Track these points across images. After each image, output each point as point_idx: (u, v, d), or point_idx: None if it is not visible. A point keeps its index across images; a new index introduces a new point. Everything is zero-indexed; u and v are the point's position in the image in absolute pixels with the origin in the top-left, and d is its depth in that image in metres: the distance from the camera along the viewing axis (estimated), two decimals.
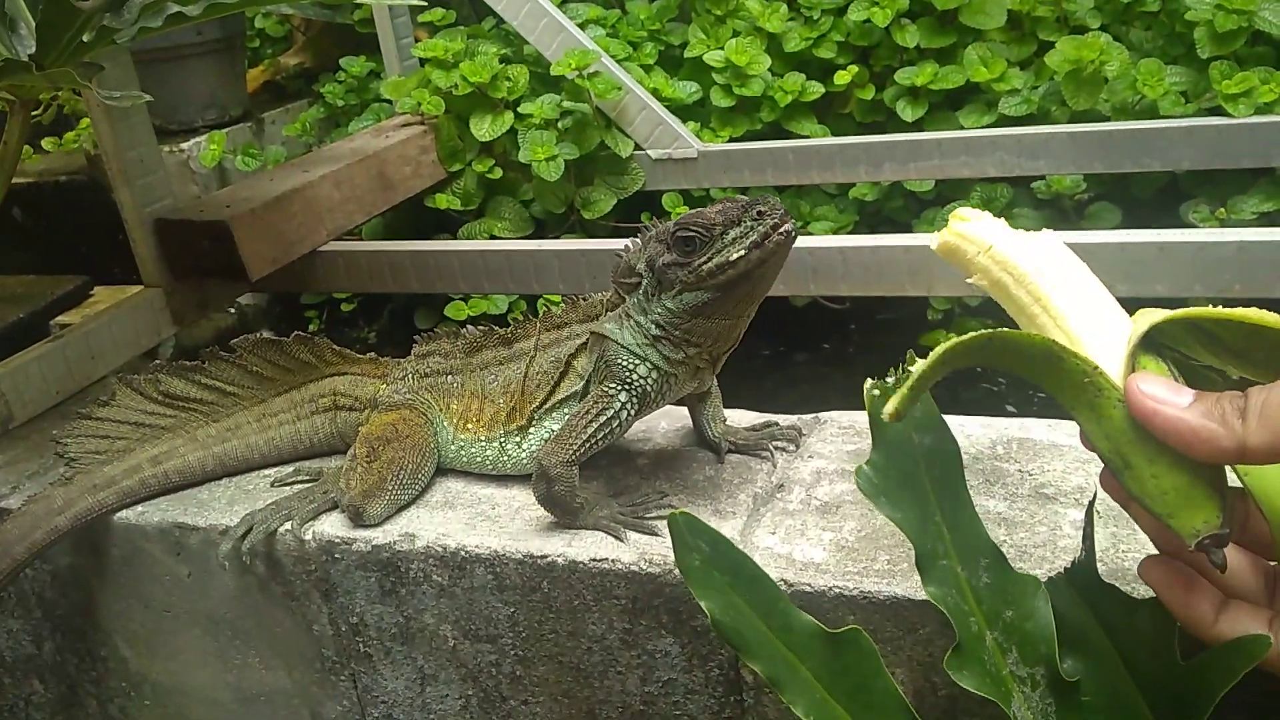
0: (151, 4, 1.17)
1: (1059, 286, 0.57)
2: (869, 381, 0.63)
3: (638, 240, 0.89)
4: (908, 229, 1.91)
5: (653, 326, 0.87)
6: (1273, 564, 0.60)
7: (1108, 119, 1.75)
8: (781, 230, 0.79)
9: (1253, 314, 0.52)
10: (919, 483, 0.62)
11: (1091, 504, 0.67)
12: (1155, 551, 0.77)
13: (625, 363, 0.88)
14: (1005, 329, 0.55)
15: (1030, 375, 0.57)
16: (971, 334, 0.55)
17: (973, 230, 0.61)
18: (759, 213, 0.80)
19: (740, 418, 1.07)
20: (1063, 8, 1.90)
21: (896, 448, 0.63)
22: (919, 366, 0.54)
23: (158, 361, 1.06)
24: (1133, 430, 0.53)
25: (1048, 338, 0.55)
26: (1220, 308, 0.53)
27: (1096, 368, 0.54)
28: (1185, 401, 0.51)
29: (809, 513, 0.89)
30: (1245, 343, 0.52)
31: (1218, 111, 1.65)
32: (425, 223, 2.03)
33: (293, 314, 2.25)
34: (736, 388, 1.06)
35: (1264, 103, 1.62)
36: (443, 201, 1.89)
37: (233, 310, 2.26)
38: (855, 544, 0.84)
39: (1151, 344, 0.56)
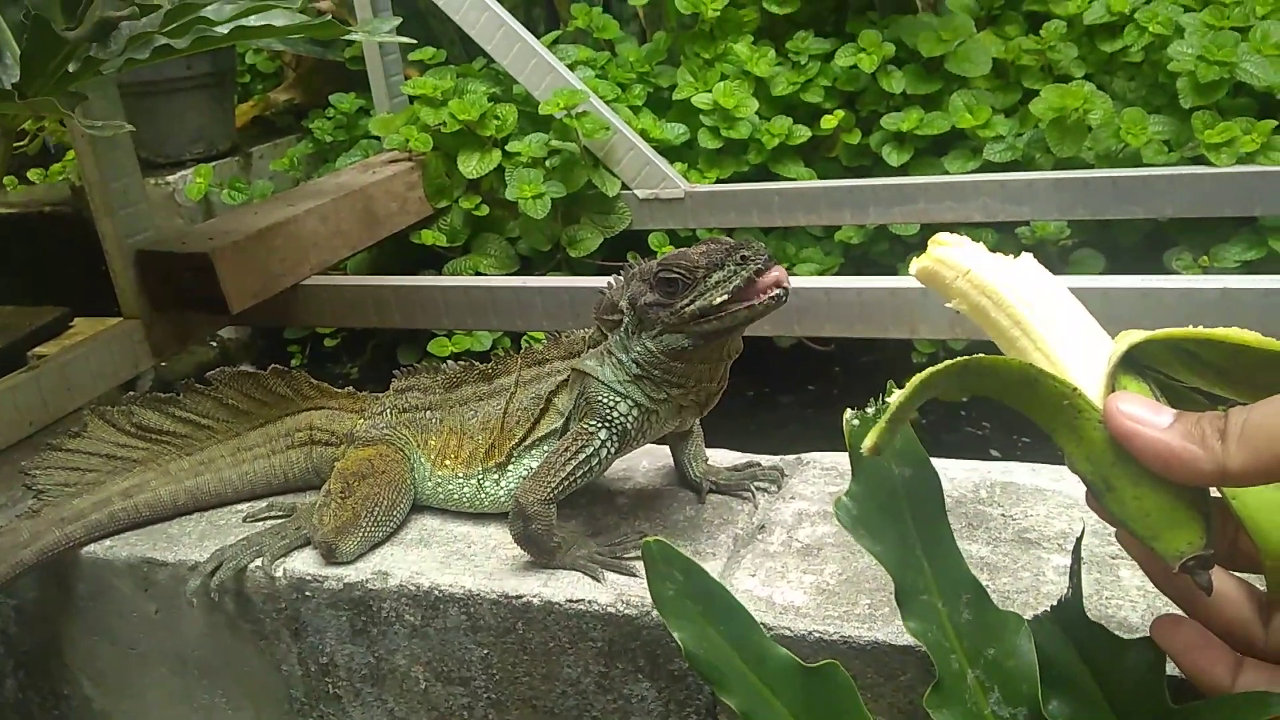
0: (138, 36, 1.17)
1: (1038, 309, 0.56)
2: (848, 412, 0.62)
3: (621, 277, 0.89)
4: (892, 272, 1.92)
5: (634, 365, 0.86)
6: (1261, 585, 0.58)
7: (1091, 167, 1.76)
8: (773, 294, 0.77)
9: (1234, 334, 0.51)
10: (899, 515, 0.61)
11: (1079, 542, 0.66)
12: (1138, 599, 0.76)
13: (606, 400, 0.87)
14: (981, 355, 0.54)
15: (1010, 400, 0.56)
16: (947, 362, 0.54)
17: (951, 255, 0.60)
18: (742, 257, 0.79)
19: (722, 457, 1.06)
20: (1047, 57, 1.93)
21: (876, 479, 0.62)
22: (896, 397, 0.53)
23: (132, 393, 1.04)
24: (1114, 452, 0.52)
25: (1024, 361, 0.54)
26: (1201, 328, 0.52)
27: (1075, 389, 0.53)
28: (1165, 422, 0.50)
29: (790, 554, 0.88)
30: (1228, 362, 0.52)
31: (1200, 161, 1.67)
32: (411, 259, 2.03)
33: (275, 348, 2.24)
34: (720, 428, 1.05)
35: (1246, 152, 1.64)
36: (429, 238, 1.89)
37: (214, 344, 2.24)
38: (836, 587, 0.82)
39: (1133, 364, 0.55)
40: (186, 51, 1.23)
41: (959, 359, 0.53)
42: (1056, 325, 0.56)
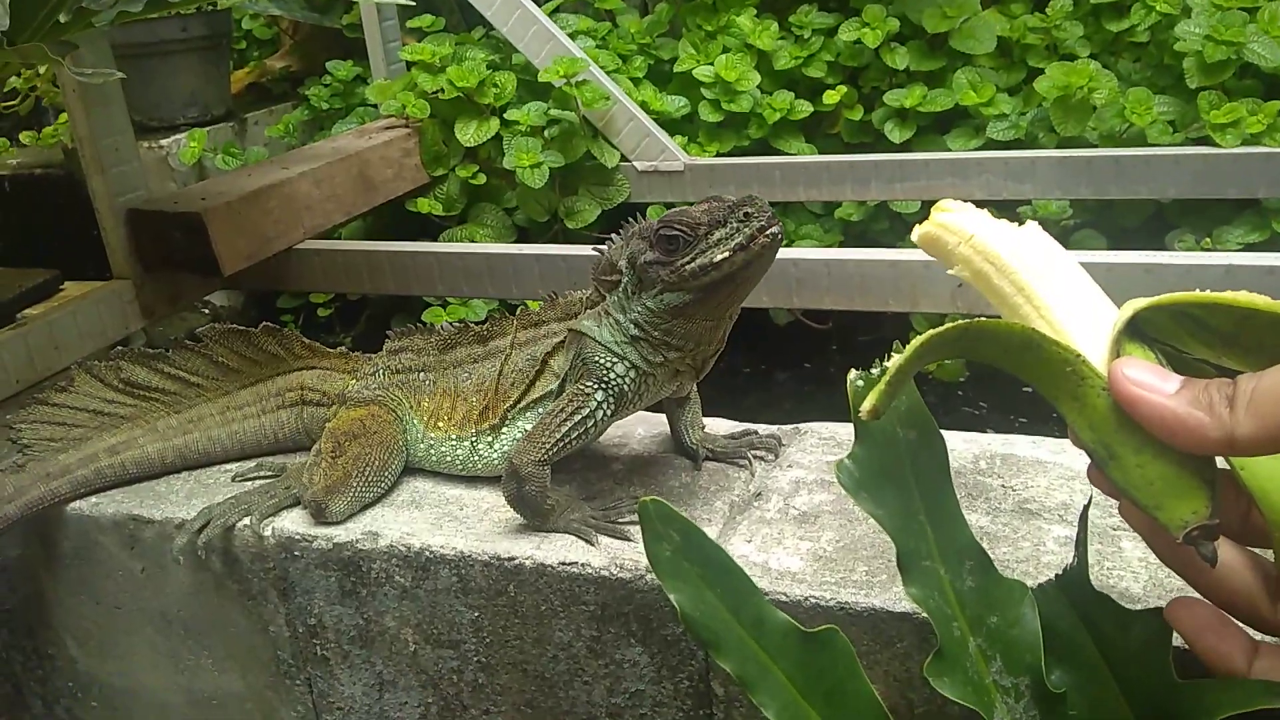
0: None
1: (1043, 276, 0.55)
2: (853, 373, 0.60)
3: (620, 236, 0.87)
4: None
5: (632, 326, 0.84)
6: (1270, 559, 0.57)
7: (1095, 146, 1.75)
8: (768, 232, 0.77)
9: (1243, 297, 0.49)
10: (903, 479, 0.60)
11: (1086, 510, 0.64)
12: (1140, 570, 0.75)
13: (603, 361, 0.85)
14: (983, 318, 0.53)
15: (1011, 366, 0.55)
16: (948, 324, 0.53)
17: (955, 220, 0.59)
18: (745, 214, 0.77)
19: (719, 426, 1.04)
20: (1052, 35, 1.91)
21: (880, 442, 0.60)
22: (896, 360, 0.52)
23: (120, 349, 1.03)
24: (1117, 419, 0.50)
25: (1027, 326, 0.53)
26: (1209, 292, 0.51)
27: (1079, 355, 0.52)
28: (1172, 388, 0.49)
29: (786, 522, 0.87)
30: (1236, 328, 0.50)
31: (1205, 141, 1.65)
32: (407, 227, 2.01)
33: (268, 316, 2.18)
34: (716, 403, 1.04)
35: (1251, 133, 1.62)
36: (424, 206, 1.87)
37: (206, 310, 2.22)
38: (833, 554, 0.81)
39: (1138, 332, 0.54)
40: (180, 6, 1.21)
41: (961, 322, 0.52)
42: (1061, 293, 0.55)
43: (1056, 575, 0.64)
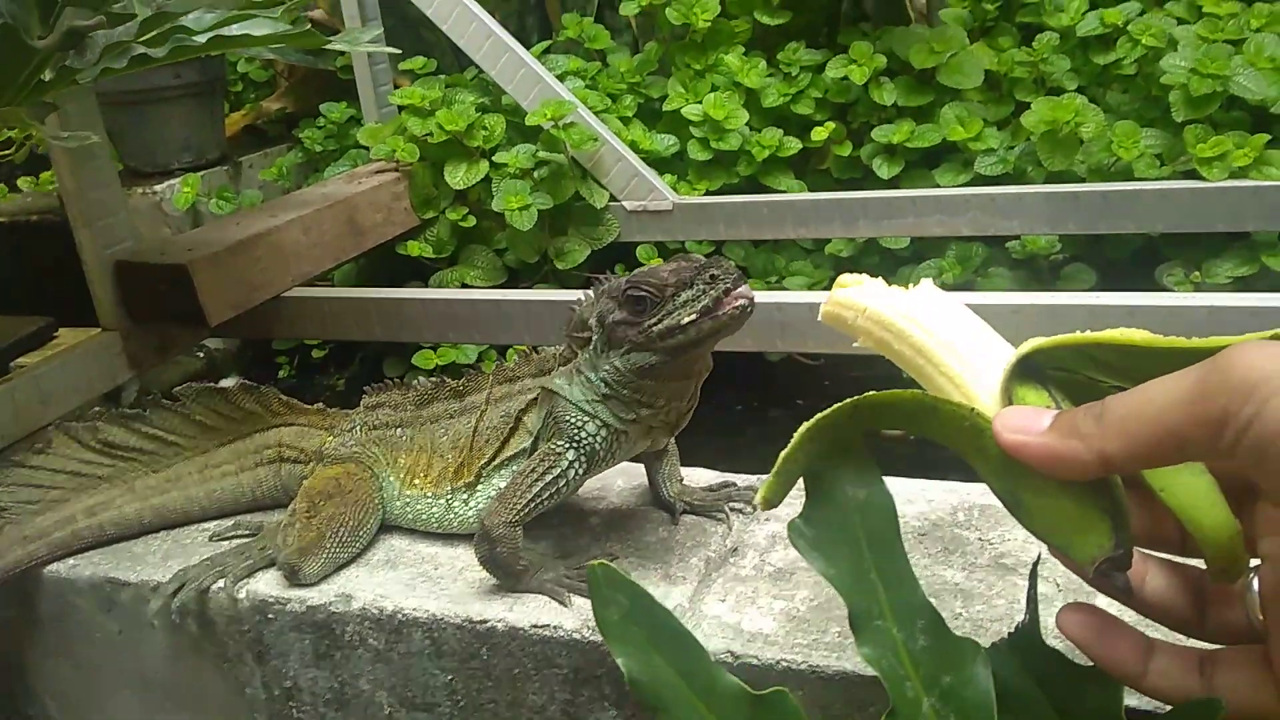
0: (114, 45, 1.16)
1: (938, 335, 0.57)
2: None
3: (591, 293, 0.87)
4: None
5: (602, 384, 0.84)
6: (1198, 577, 0.58)
7: (1083, 180, 1.74)
8: (737, 304, 0.77)
9: (1121, 334, 0.52)
10: (854, 539, 0.60)
11: (1035, 565, 0.65)
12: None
13: (574, 420, 0.85)
14: (872, 392, 0.55)
15: (916, 430, 0.56)
16: (836, 405, 0.55)
17: (849, 295, 0.61)
18: (712, 276, 0.78)
19: (698, 476, 1.04)
20: (1040, 69, 1.91)
21: (830, 502, 0.60)
22: (785, 451, 0.54)
23: (98, 409, 1.03)
24: (1015, 466, 0.52)
25: (916, 391, 0.55)
26: (1088, 332, 0.53)
27: (972, 410, 0.53)
28: (1044, 424, 0.50)
29: (761, 579, 0.86)
30: (1124, 362, 0.52)
31: (1193, 175, 1.65)
32: (399, 269, 2.01)
33: (263, 359, 2.22)
34: (709, 443, 1.03)
35: (1238, 167, 1.62)
36: (415, 249, 1.87)
37: (201, 354, 2.22)
38: (806, 614, 0.81)
39: (1031, 372, 0.55)
40: (165, 61, 1.22)
41: (849, 400, 0.54)
42: (957, 347, 0.56)
43: (1009, 633, 0.64)
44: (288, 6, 1.28)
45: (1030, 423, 0.51)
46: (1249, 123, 1.73)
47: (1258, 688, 0.52)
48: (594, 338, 0.85)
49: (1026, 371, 0.55)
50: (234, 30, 1.30)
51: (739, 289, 0.77)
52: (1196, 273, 1.64)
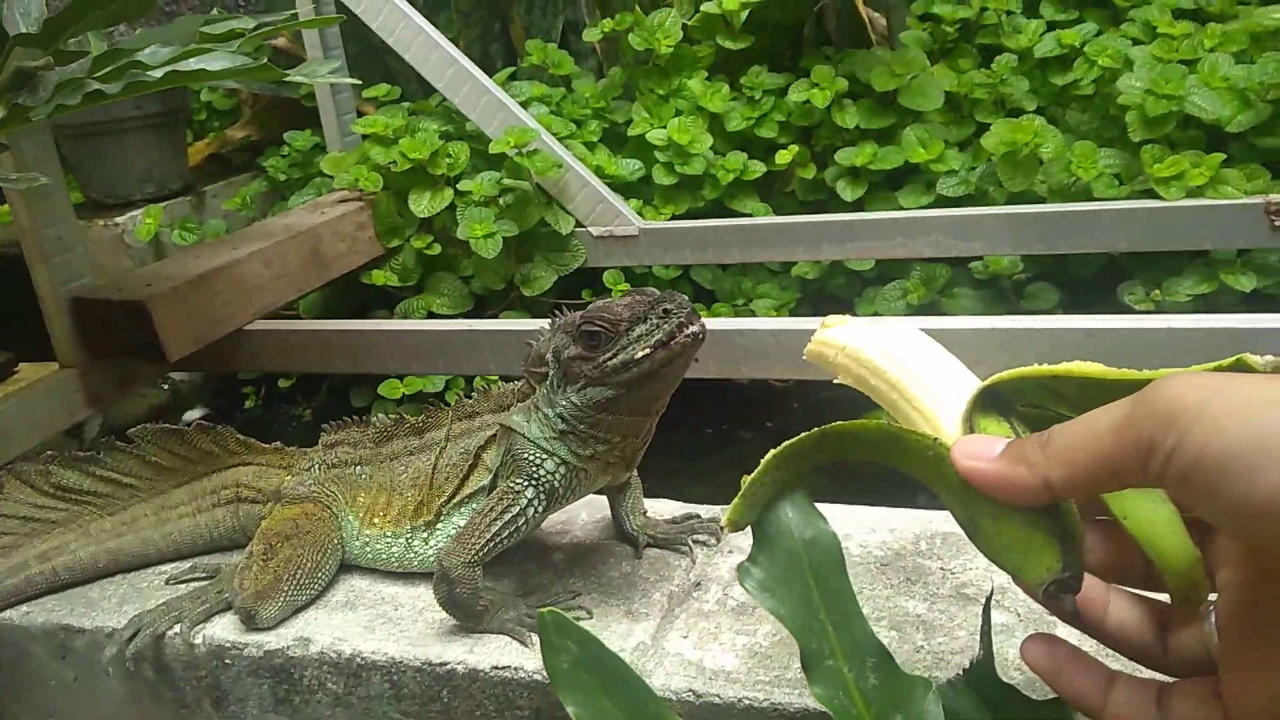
0: (67, 82, 1.15)
1: (912, 371, 0.59)
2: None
3: (549, 328, 0.87)
4: (850, 307, 1.91)
5: (559, 420, 0.83)
6: (1162, 609, 0.59)
7: (1044, 200, 1.76)
8: (688, 332, 0.77)
9: (1076, 368, 0.54)
10: (802, 579, 0.60)
11: (989, 600, 0.65)
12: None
13: (531, 457, 0.85)
14: (839, 421, 0.57)
15: (881, 459, 0.58)
16: (804, 434, 0.57)
17: (831, 335, 0.63)
18: (665, 310, 0.77)
19: (662, 508, 1.03)
20: (999, 90, 1.93)
21: (778, 543, 0.61)
22: (752, 475, 0.55)
23: (50, 452, 1.01)
24: (973, 491, 0.54)
25: (882, 422, 0.57)
26: (1046, 365, 0.55)
27: (935, 439, 0.55)
28: (996, 452, 0.52)
29: (724, 614, 0.86)
30: (1080, 394, 0.54)
31: (1151, 194, 1.67)
32: (366, 299, 2.00)
33: (229, 391, 2.20)
34: (680, 467, 1.03)
35: (1195, 185, 1.64)
36: (380, 278, 1.86)
37: (165, 386, 2.20)
38: (769, 649, 0.80)
39: (993, 404, 0.57)
40: (119, 96, 1.21)
41: (816, 430, 0.56)
42: (929, 383, 0.59)
43: (963, 669, 0.64)
44: (247, 37, 1.28)
45: (984, 450, 0.53)
46: (1205, 142, 1.75)
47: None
48: (550, 373, 0.84)
49: (989, 403, 0.57)
50: (190, 65, 1.29)
51: (693, 324, 0.77)
52: (1157, 291, 1.66)
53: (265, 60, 1.31)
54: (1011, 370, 0.56)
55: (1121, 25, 1.97)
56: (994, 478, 0.52)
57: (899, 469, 0.58)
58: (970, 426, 0.56)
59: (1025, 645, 0.59)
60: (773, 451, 0.57)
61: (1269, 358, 0.53)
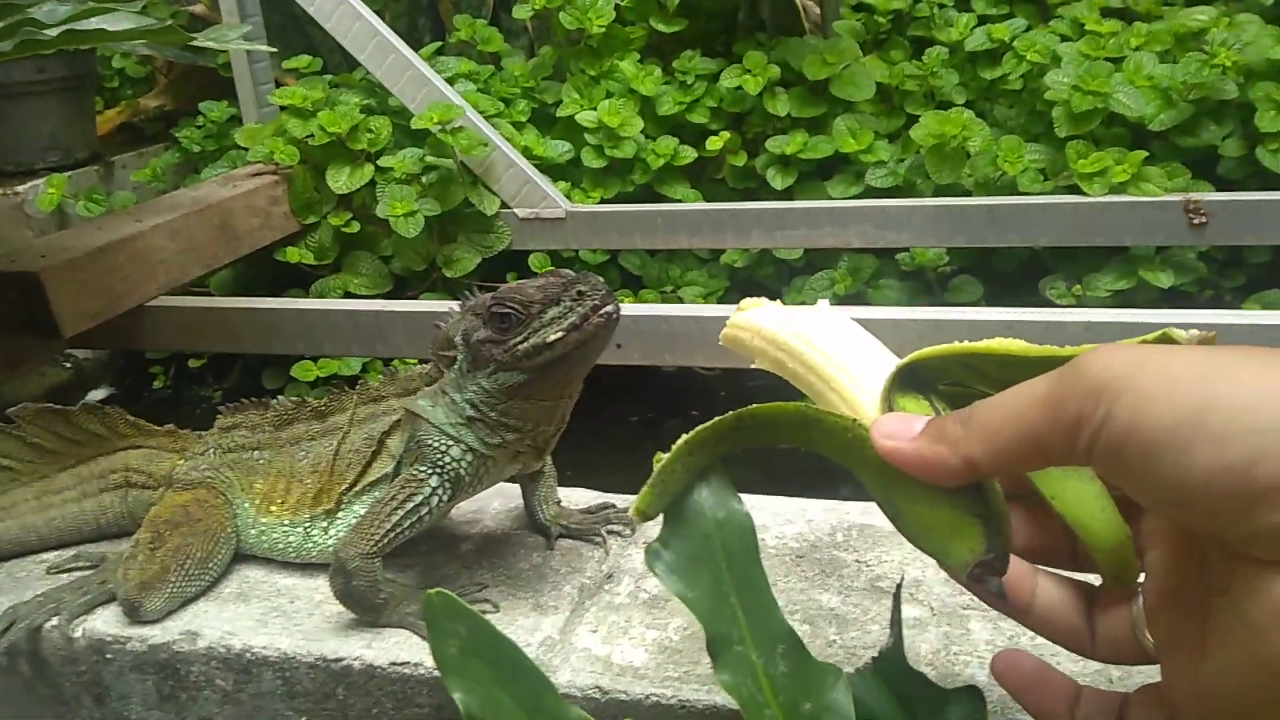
0: None
1: (829, 352, 0.57)
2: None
3: (457, 309, 0.83)
4: (778, 296, 1.89)
5: (467, 406, 0.80)
6: (1090, 592, 0.58)
7: (971, 193, 1.76)
8: (602, 313, 0.74)
9: (997, 344, 0.52)
10: (713, 561, 0.58)
11: (899, 589, 0.65)
12: (986, 655, 0.73)
13: (437, 444, 0.81)
14: (756, 405, 0.54)
15: (802, 444, 0.56)
16: (719, 418, 0.54)
17: (747, 318, 0.62)
18: (579, 292, 0.74)
19: (577, 497, 1.00)
20: (930, 83, 1.93)
21: (690, 524, 0.58)
22: (663, 460, 0.52)
23: None
24: (893, 474, 0.52)
25: (800, 404, 0.55)
26: (966, 342, 0.53)
27: (854, 420, 0.53)
28: (916, 430, 0.50)
29: (635, 607, 0.83)
30: (1003, 372, 0.52)
31: (1075, 190, 1.68)
32: (281, 277, 1.93)
33: (136, 369, 2.11)
34: (603, 458, 1.00)
35: (1117, 182, 1.65)
36: (294, 255, 1.80)
37: (69, 365, 2.10)
38: (679, 644, 0.78)
39: (912, 382, 0.55)
40: (12, 56, 1.14)
41: (732, 413, 0.53)
42: (848, 365, 0.57)
43: (873, 657, 0.63)
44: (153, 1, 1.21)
45: (903, 429, 0.51)
46: (1129, 139, 1.78)
47: None
48: (459, 357, 0.81)
49: (908, 382, 0.55)
50: (89, 24, 1.22)
51: (606, 305, 0.74)
52: (1078, 286, 1.68)
53: (169, 24, 1.25)
54: (931, 348, 0.55)
55: (1050, 22, 1.99)
56: (913, 457, 0.50)
57: (820, 453, 0.56)
58: (889, 406, 0.55)
59: (994, 661, 0.58)
60: (686, 436, 0.54)
61: (1193, 332, 0.52)
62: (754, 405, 0.54)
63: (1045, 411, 0.45)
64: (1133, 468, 0.42)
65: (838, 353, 0.57)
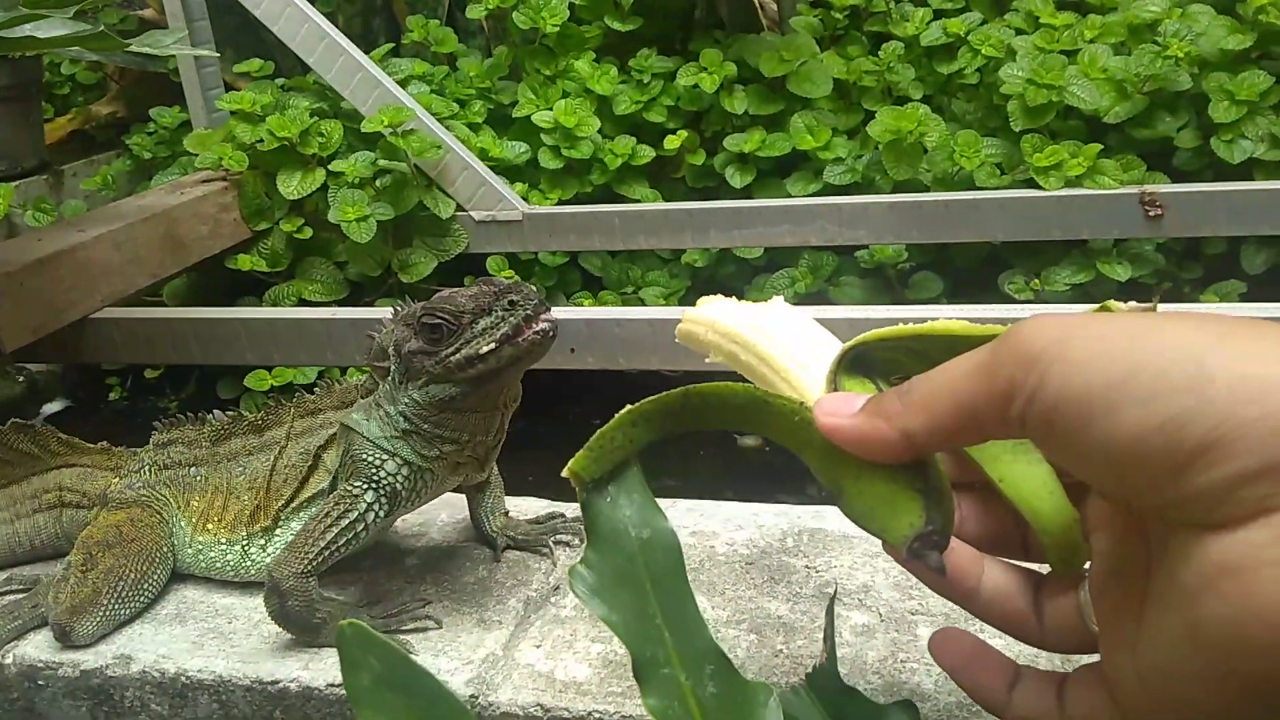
0: None
1: (781, 344, 0.57)
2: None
3: (389, 319, 0.81)
4: (740, 295, 1.87)
5: (401, 419, 0.78)
6: (1037, 580, 0.56)
7: (929, 189, 1.76)
8: (537, 330, 0.72)
9: (940, 325, 0.52)
10: (638, 582, 0.56)
11: (832, 601, 0.64)
12: (933, 663, 0.72)
13: (371, 458, 0.79)
14: (704, 384, 0.54)
15: (751, 428, 0.55)
16: (666, 393, 0.53)
17: (702, 313, 0.62)
18: (511, 302, 0.72)
19: (526, 506, 0.99)
20: (886, 78, 1.93)
21: (612, 542, 0.56)
22: (603, 427, 0.51)
23: None
24: (836, 454, 0.52)
25: (749, 386, 0.54)
26: (912, 324, 0.53)
27: (801, 404, 0.53)
28: (857, 407, 0.50)
29: (581, 619, 0.81)
30: (947, 353, 0.51)
31: (1032, 184, 1.68)
32: (235, 286, 1.90)
33: (90, 381, 2.07)
34: (562, 460, 0.98)
35: (1073, 175, 1.65)
36: (245, 263, 1.77)
37: (21, 378, 2.06)
38: (623, 658, 0.76)
39: (858, 365, 0.55)
40: None
41: (679, 389, 0.52)
42: (799, 355, 0.57)
43: (806, 674, 0.61)
44: (84, 6, 1.19)
45: (844, 406, 0.51)
46: (1084, 132, 1.77)
47: (1098, 709, 0.49)
48: (391, 368, 0.79)
49: (855, 366, 0.55)
50: (18, 32, 1.19)
51: (541, 314, 0.72)
52: (1036, 280, 1.68)
53: (103, 29, 1.22)
54: (877, 330, 0.55)
55: (1005, 15, 1.98)
56: (853, 433, 0.50)
57: (768, 436, 0.56)
58: (835, 388, 0.54)
59: (932, 640, 0.57)
60: (630, 406, 0.53)
61: (1131, 303, 0.51)
62: (702, 384, 0.53)
63: (978, 382, 0.44)
64: (1064, 435, 0.41)
65: (791, 344, 0.58)
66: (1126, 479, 0.40)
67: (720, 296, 0.63)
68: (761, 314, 0.60)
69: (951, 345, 0.51)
